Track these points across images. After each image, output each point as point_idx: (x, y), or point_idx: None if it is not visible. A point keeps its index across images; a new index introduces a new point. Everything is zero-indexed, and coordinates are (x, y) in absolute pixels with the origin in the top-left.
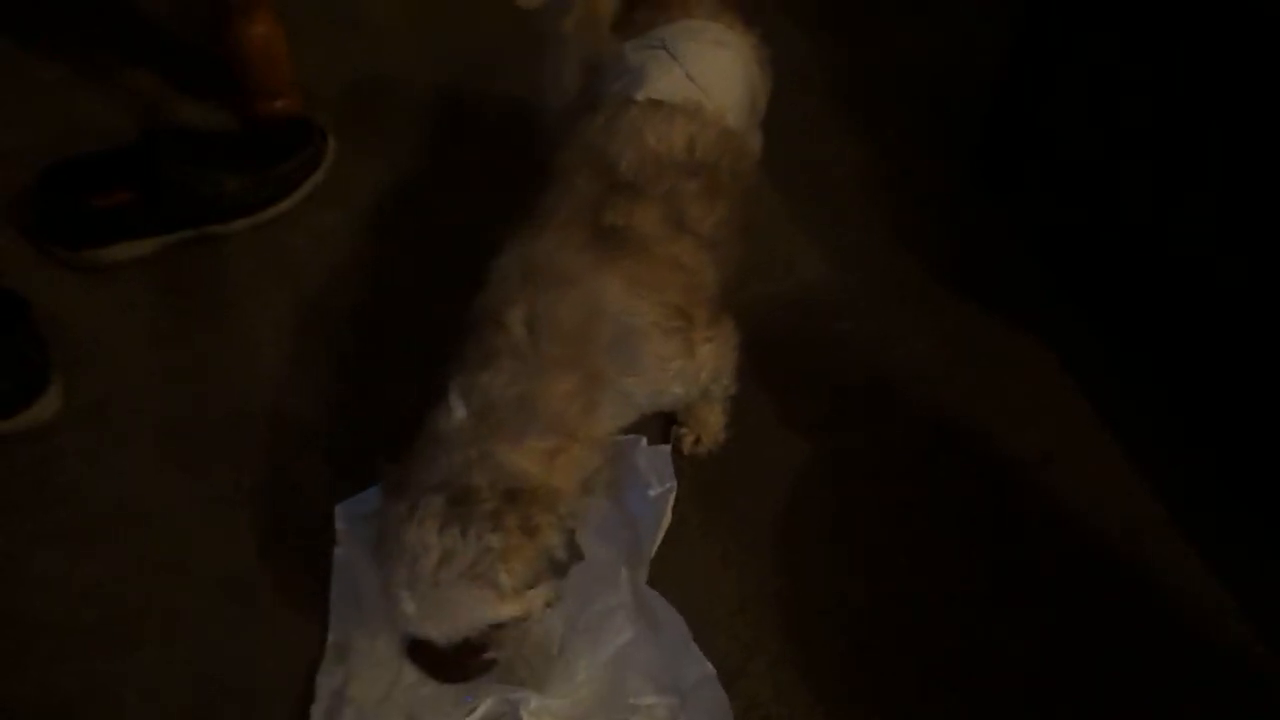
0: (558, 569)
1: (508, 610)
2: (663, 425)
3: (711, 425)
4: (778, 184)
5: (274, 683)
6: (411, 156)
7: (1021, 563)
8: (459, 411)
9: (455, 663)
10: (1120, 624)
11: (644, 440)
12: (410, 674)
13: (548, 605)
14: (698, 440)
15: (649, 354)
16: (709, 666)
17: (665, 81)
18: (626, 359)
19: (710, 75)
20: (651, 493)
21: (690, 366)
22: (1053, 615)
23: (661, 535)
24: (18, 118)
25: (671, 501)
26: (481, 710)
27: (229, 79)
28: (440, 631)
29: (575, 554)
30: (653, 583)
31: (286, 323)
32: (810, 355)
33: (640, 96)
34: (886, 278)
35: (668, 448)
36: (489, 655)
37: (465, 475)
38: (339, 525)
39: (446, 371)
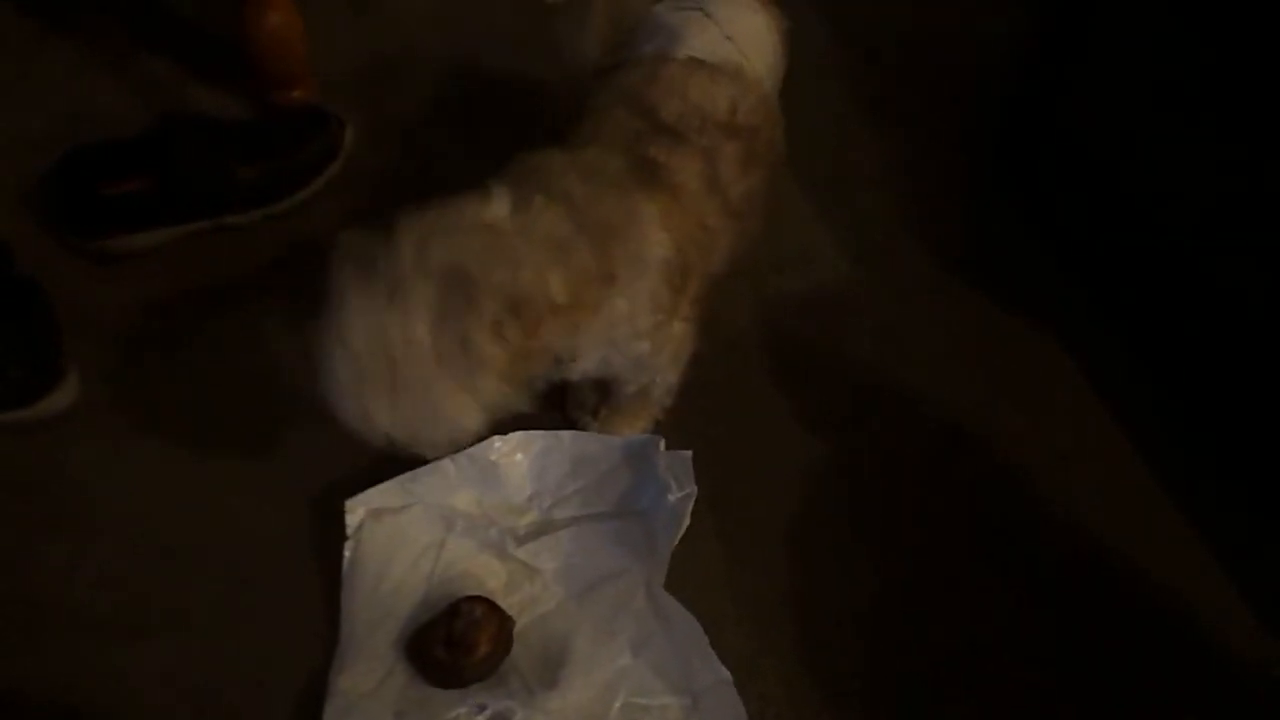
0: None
1: (476, 425)
2: (674, 429)
3: (636, 426)
4: (794, 176)
5: (283, 674)
6: (431, 142)
7: (1036, 563)
8: (501, 202)
9: (451, 666)
10: (1134, 626)
11: (662, 443)
12: (402, 672)
13: None
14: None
15: (643, 291)
16: (724, 671)
17: (703, 40)
18: (630, 276)
19: (748, 39)
20: (671, 497)
21: (660, 335)
22: (1066, 616)
23: (678, 539)
24: (32, 105)
25: (690, 507)
26: (469, 714)
27: (245, 67)
28: (414, 439)
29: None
30: (665, 582)
31: (303, 314)
32: (825, 352)
33: (680, 54)
34: (903, 273)
35: (688, 453)
36: (483, 656)
37: (479, 270)
38: (349, 520)
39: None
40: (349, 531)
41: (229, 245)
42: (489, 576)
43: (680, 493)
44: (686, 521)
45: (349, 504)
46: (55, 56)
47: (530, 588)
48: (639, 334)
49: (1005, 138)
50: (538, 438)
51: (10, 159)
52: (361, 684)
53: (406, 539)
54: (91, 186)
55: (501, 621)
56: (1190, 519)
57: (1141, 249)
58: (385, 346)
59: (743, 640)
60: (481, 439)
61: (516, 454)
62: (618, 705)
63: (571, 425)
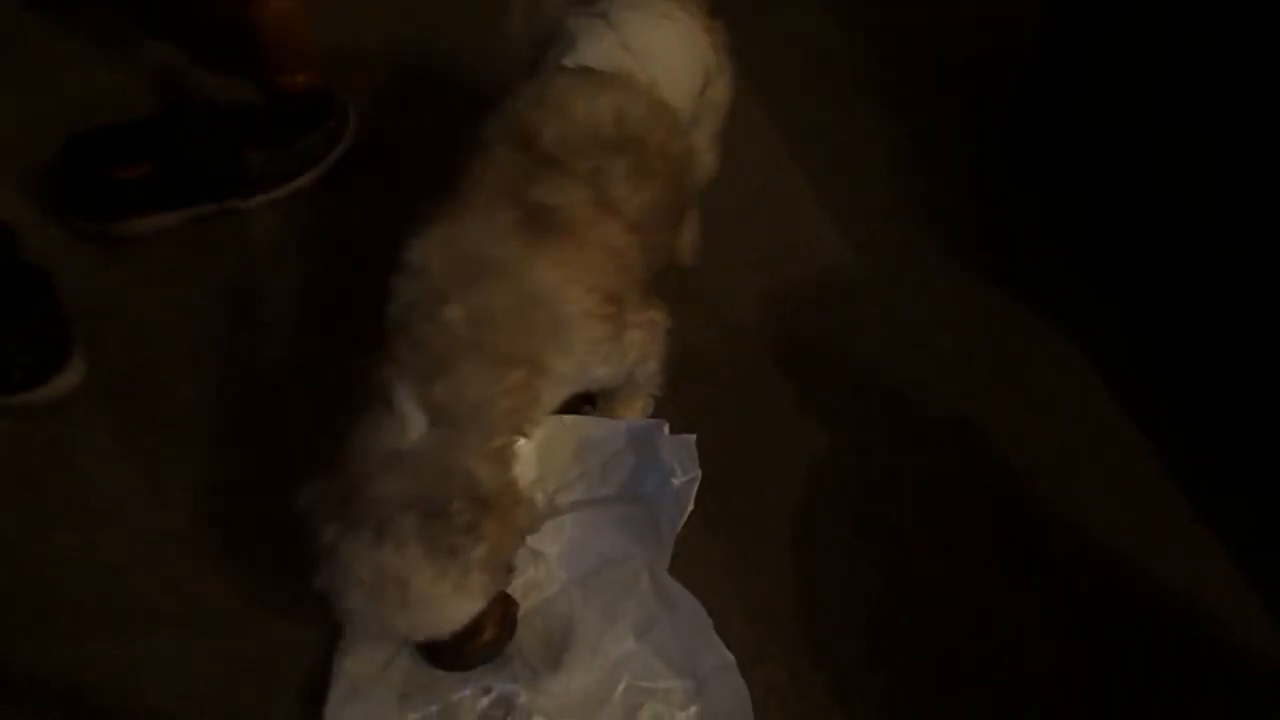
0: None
1: (479, 608)
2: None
3: (635, 409)
4: (801, 165)
5: (291, 660)
6: (438, 126)
7: (1042, 555)
8: (416, 422)
9: (456, 650)
10: (1141, 618)
11: (666, 427)
12: (408, 655)
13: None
14: None
15: (580, 340)
16: (729, 656)
17: (597, 49)
18: (561, 345)
19: (648, 46)
20: (675, 481)
21: (617, 350)
22: (1072, 606)
23: (682, 523)
24: (39, 89)
25: (694, 491)
26: (473, 696)
27: (250, 52)
28: (431, 635)
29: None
30: (671, 569)
31: (308, 298)
32: (831, 340)
33: (569, 63)
34: (910, 263)
35: (692, 437)
36: (487, 640)
37: (437, 489)
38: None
39: (380, 377)
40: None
41: (235, 229)
42: None
43: (684, 477)
44: (690, 506)
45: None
46: (61, 43)
47: (534, 571)
48: (594, 369)
49: (1016, 127)
50: (543, 424)
51: (16, 144)
52: (367, 667)
53: None
54: (98, 170)
55: (506, 605)
56: (1197, 510)
57: (1150, 240)
58: (389, 576)
59: (748, 627)
60: None
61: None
62: (621, 688)
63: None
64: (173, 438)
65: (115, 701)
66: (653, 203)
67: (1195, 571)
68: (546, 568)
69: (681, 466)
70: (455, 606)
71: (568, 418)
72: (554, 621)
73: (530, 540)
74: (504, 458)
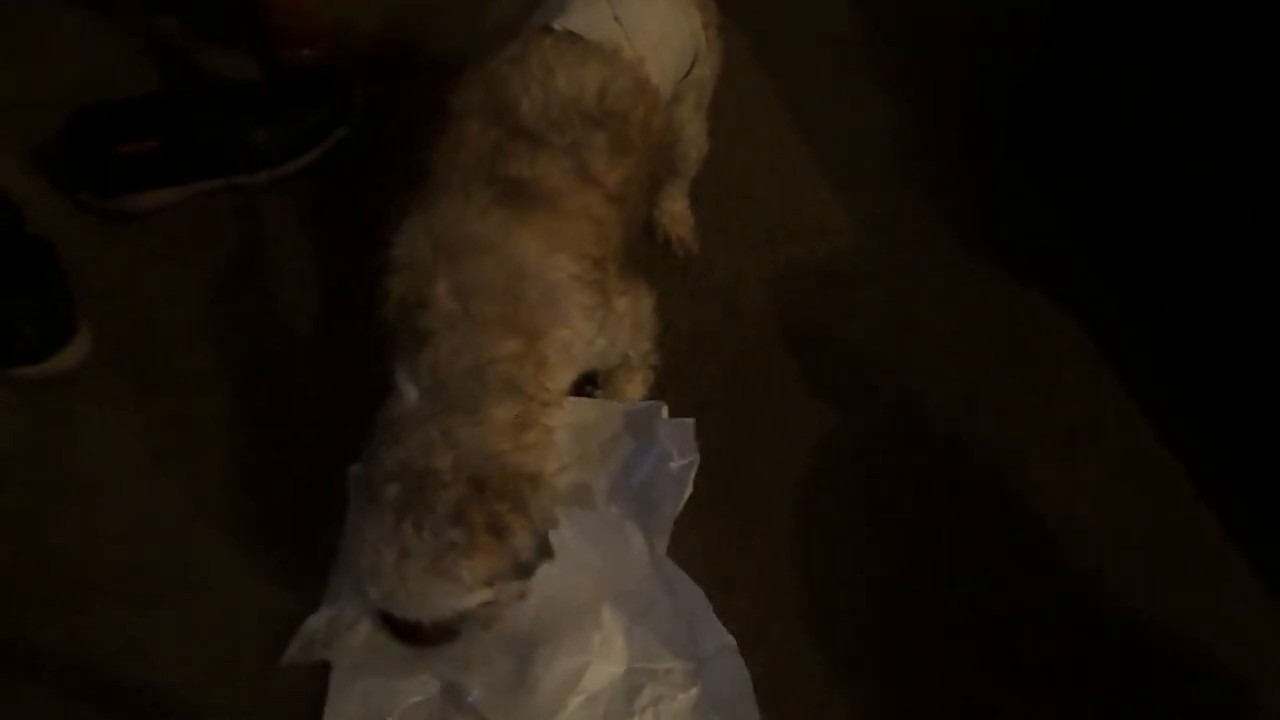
0: (523, 570)
1: (474, 599)
2: (683, 398)
3: (629, 396)
4: (810, 148)
5: (294, 633)
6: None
7: (1046, 534)
8: (410, 393)
9: (412, 628)
10: (1144, 600)
11: (665, 410)
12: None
13: (520, 596)
14: None
15: (574, 305)
16: (729, 638)
17: (587, 16)
18: (556, 312)
19: (639, 20)
20: (673, 465)
21: (611, 317)
22: (1075, 589)
23: (681, 506)
24: (44, 65)
25: (693, 474)
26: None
27: (256, 29)
28: (410, 615)
29: (545, 553)
30: (672, 548)
31: (312, 274)
32: (838, 322)
33: (558, 26)
34: (917, 245)
35: (690, 421)
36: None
37: (424, 458)
38: (352, 487)
39: (387, 364)
40: (351, 498)
41: (240, 205)
42: None
43: (682, 460)
44: (689, 490)
45: (352, 470)
46: (68, 18)
47: None
48: (592, 341)
49: (1023, 110)
50: None
51: (22, 118)
52: (335, 624)
53: None
54: (104, 146)
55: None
56: (1204, 495)
57: (1159, 224)
58: (370, 542)
59: (749, 606)
60: None
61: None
62: (621, 670)
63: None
64: (176, 412)
65: (119, 672)
66: (631, 176)
67: (1199, 555)
68: None
69: (679, 450)
70: (435, 593)
71: (567, 399)
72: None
73: None
74: (520, 434)
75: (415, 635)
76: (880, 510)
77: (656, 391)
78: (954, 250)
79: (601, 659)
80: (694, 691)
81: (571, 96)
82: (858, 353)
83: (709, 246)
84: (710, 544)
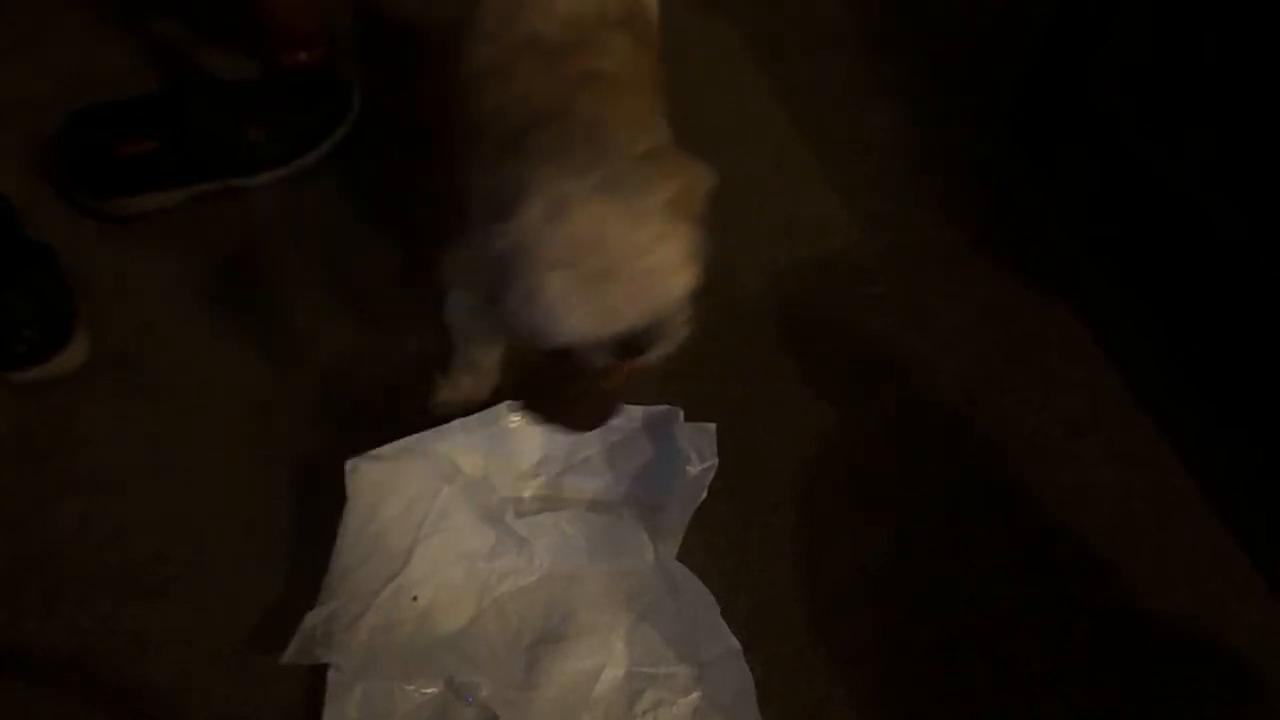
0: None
1: (688, 281)
2: (684, 395)
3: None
4: (811, 145)
5: (295, 626)
6: (441, 106)
7: (1047, 533)
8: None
9: (567, 404)
10: (1143, 596)
11: (682, 414)
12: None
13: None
14: None
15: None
16: (734, 641)
17: None
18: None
19: None
20: (692, 469)
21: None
22: (1075, 586)
23: (694, 510)
24: (42, 65)
25: (710, 479)
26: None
27: (254, 30)
28: (642, 307)
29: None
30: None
31: (310, 277)
32: (840, 320)
33: None
34: (918, 243)
35: (712, 425)
36: (606, 394)
37: (604, 154)
38: (349, 481)
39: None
40: (349, 492)
41: (237, 207)
42: (477, 538)
43: (702, 465)
44: (700, 497)
45: (348, 465)
46: (65, 18)
47: (516, 558)
48: None
49: (1025, 108)
50: None
51: (19, 119)
52: (334, 624)
53: (400, 483)
54: (103, 147)
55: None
56: (1206, 493)
57: (1160, 223)
58: (583, 240)
59: (752, 605)
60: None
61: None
62: (622, 674)
63: None
64: (174, 412)
65: (119, 669)
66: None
67: (1200, 553)
68: (530, 555)
69: (699, 454)
70: (659, 253)
71: None
72: (527, 611)
73: (523, 529)
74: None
75: (569, 417)
76: (880, 508)
77: (655, 390)
78: (954, 247)
79: (605, 661)
80: (695, 696)
81: (580, 13)
82: (857, 350)
83: (707, 242)
84: (711, 542)
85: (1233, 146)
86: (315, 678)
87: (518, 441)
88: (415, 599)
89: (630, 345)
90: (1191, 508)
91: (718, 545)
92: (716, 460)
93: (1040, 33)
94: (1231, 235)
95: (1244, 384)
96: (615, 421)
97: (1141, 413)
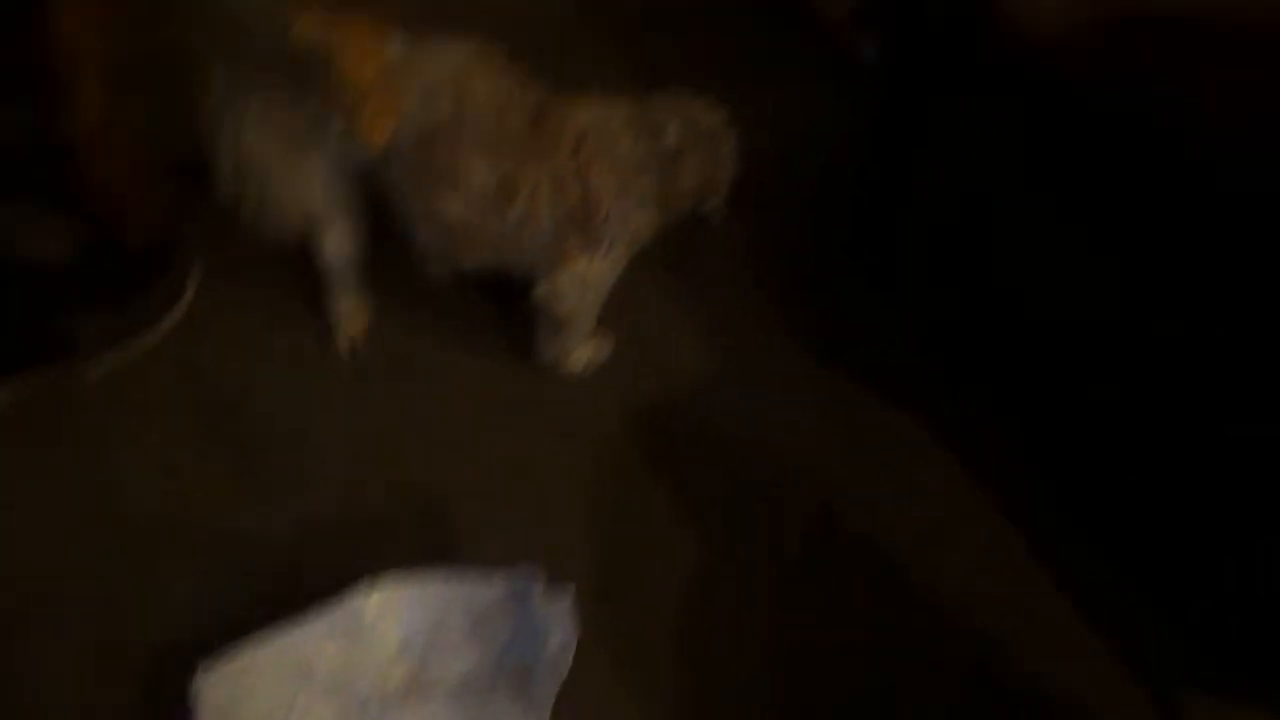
0: None
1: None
2: (552, 543)
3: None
4: (648, 272)
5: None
6: (283, 271)
7: (915, 634)
8: None
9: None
10: (1011, 693)
11: (540, 583)
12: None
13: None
14: None
15: None
16: None
17: None
18: None
19: None
20: (551, 644)
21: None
22: (951, 683)
23: (558, 687)
24: None
25: (570, 655)
26: None
27: (76, 210)
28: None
29: None
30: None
31: (153, 464)
32: (693, 445)
33: None
34: (762, 362)
35: (568, 598)
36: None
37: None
38: (197, 696)
39: None
40: (195, 706)
41: (73, 397)
42: None
43: (559, 640)
44: (565, 672)
45: (199, 674)
46: None
47: None
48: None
49: (855, 227)
50: (412, 582)
51: None
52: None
53: (254, 694)
54: None
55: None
56: (1060, 585)
57: (996, 332)
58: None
59: None
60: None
61: (390, 601)
62: None
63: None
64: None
65: None
66: None
67: (1059, 644)
68: None
69: (560, 628)
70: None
71: (438, 573)
72: None
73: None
74: None
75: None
76: (756, 634)
77: (528, 540)
78: (799, 363)
79: None
80: None
81: None
82: (716, 473)
83: (563, 385)
84: (593, 685)
85: (1054, 238)
86: None
87: (377, 627)
88: None
89: None
90: (1049, 600)
91: (601, 688)
92: (576, 635)
93: (861, 158)
94: (1065, 327)
95: (1093, 485)
96: (475, 594)
97: (994, 511)
